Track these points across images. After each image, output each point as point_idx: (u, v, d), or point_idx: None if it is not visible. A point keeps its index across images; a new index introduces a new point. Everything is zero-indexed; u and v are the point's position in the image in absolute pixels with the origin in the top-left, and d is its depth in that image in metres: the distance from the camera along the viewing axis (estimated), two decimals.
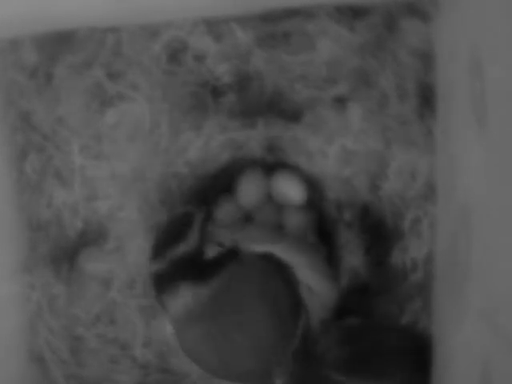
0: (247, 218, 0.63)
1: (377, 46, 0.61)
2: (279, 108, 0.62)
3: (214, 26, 0.62)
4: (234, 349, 0.55)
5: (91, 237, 0.64)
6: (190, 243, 0.55)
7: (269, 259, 0.56)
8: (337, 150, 0.62)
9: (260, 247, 0.57)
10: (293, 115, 0.62)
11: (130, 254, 0.63)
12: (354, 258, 0.61)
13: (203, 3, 0.59)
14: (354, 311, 0.61)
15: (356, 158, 0.61)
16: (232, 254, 0.57)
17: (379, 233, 0.60)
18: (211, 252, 0.57)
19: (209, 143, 0.63)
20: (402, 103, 0.61)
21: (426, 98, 0.61)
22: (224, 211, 0.63)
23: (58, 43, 0.63)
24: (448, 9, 0.57)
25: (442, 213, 0.59)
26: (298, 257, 0.57)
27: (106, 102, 0.63)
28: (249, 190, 0.63)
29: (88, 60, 0.63)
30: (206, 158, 0.63)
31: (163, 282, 0.55)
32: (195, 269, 0.55)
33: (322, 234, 0.63)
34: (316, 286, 0.57)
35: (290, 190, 0.62)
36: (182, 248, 0.55)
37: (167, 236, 0.56)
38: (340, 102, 0.61)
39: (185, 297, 0.54)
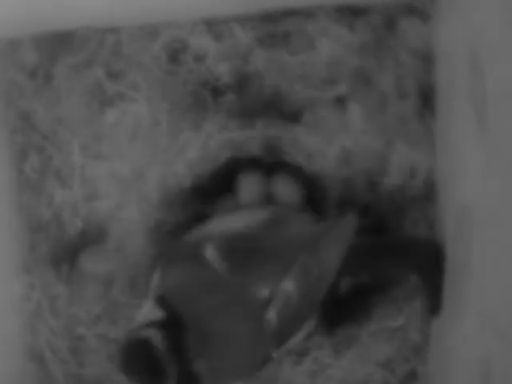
0: None
1: (377, 46, 0.61)
2: (279, 108, 0.62)
3: (214, 26, 0.62)
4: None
5: (91, 237, 0.64)
6: None
7: None
8: (337, 149, 0.62)
9: None
10: (292, 115, 0.62)
11: (131, 253, 0.63)
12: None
13: (203, 3, 0.59)
14: (354, 311, 0.62)
15: (356, 158, 0.61)
16: None
17: (379, 233, 0.60)
18: None
19: (208, 143, 0.63)
20: (402, 103, 0.61)
21: (426, 98, 0.61)
22: (224, 211, 0.63)
23: (58, 43, 0.62)
24: (448, 9, 0.57)
25: (442, 213, 0.59)
26: None
27: (106, 101, 0.63)
28: (248, 189, 0.63)
29: (88, 60, 0.63)
30: (205, 158, 0.63)
31: None
32: None
33: None
34: None
35: (289, 189, 0.62)
36: None
37: None
38: (340, 101, 0.61)
39: None
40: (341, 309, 0.61)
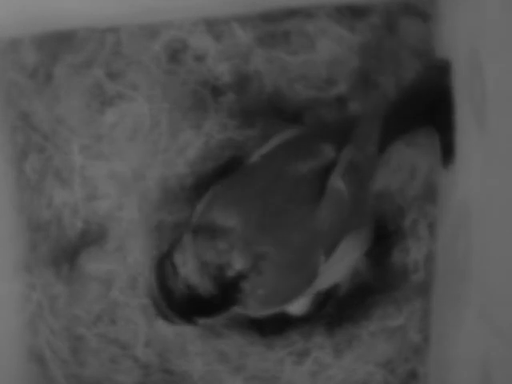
0: None
1: (377, 46, 0.61)
2: (279, 108, 0.62)
3: (214, 26, 0.62)
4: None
5: (91, 237, 0.64)
6: None
7: None
8: None
9: None
10: (292, 115, 0.62)
11: (131, 253, 0.63)
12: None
13: (203, 3, 0.59)
14: (354, 311, 0.62)
15: None
16: None
17: (379, 233, 0.60)
18: None
19: (208, 142, 0.63)
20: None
21: None
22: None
23: (58, 43, 0.63)
24: (448, 9, 0.57)
25: (442, 213, 0.59)
26: None
27: (106, 101, 0.63)
28: None
29: (88, 60, 0.63)
30: (205, 157, 0.63)
31: None
32: None
33: None
34: None
35: None
36: None
37: None
38: (340, 102, 0.61)
39: None
40: (341, 309, 0.61)
